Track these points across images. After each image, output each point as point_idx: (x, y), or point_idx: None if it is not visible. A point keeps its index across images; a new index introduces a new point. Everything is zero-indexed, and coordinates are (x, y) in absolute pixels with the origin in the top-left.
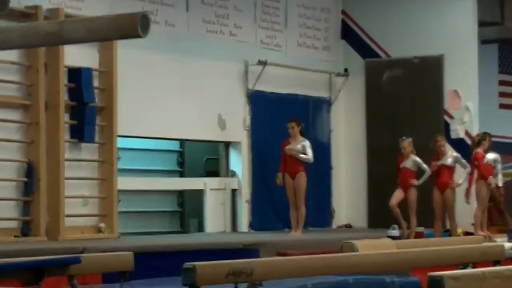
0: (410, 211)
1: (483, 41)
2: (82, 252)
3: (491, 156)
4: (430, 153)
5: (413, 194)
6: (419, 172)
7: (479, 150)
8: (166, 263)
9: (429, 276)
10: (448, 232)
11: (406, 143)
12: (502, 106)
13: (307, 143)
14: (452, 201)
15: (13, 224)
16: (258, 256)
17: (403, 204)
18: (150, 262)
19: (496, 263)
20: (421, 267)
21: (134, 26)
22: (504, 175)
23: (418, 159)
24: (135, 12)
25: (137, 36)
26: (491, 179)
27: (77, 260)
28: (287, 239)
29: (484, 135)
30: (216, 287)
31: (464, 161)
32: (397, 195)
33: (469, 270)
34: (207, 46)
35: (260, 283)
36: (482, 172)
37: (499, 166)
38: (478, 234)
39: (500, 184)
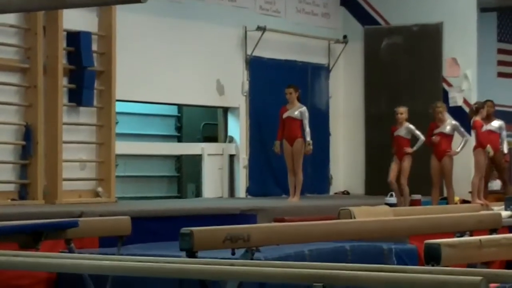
0: (402, 179)
1: (482, 9)
2: (79, 216)
3: (496, 123)
4: (429, 120)
5: (407, 162)
6: (413, 140)
7: (477, 118)
8: (163, 228)
9: (426, 244)
10: (445, 200)
11: (403, 109)
12: (501, 74)
13: (304, 110)
14: (450, 169)
15: (11, 187)
16: (255, 222)
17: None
18: (147, 226)
19: (493, 231)
20: (418, 234)
21: None
22: None
23: (411, 126)
24: None
25: (136, 1)
26: (489, 148)
27: (75, 224)
28: (284, 205)
29: (482, 104)
30: (213, 252)
31: (462, 129)
32: (394, 168)
33: (466, 238)
34: (206, 12)
35: (257, 248)
36: (480, 140)
37: (504, 133)
38: (475, 202)
39: (506, 151)
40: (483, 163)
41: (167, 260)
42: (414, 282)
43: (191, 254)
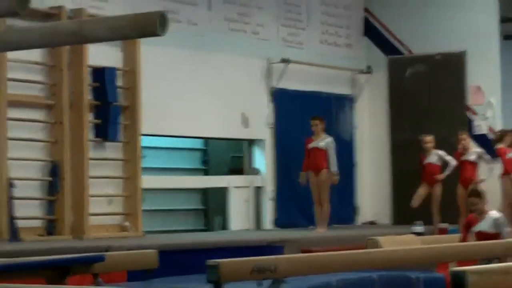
0: (434, 207)
1: (506, 37)
2: (106, 251)
3: None
4: (452, 149)
5: (438, 189)
6: (444, 166)
7: (502, 145)
8: (190, 261)
9: (452, 271)
10: None
11: (430, 138)
12: None
13: (330, 140)
14: None
15: (38, 223)
16: (282, 253)
17: (428, 201)
18: (174, 259)
19: None
20: (444, 262)
21: (153, 25)
22: None
23: (441, 152)
24: (153, 11)
25: (155, 34)
26: None
27: (101, 258)
28: (311, 236)
29: (505, 131)
30: (240, 284)
31: (488, 156)
32: (421, 193)
33: (492, 265)
34: (229, 44)
35: (283, 279)
36: (506, 167)
37: None
38: None
39: None
40: (510, 189)
41: None
42: None
43: (218, 286)
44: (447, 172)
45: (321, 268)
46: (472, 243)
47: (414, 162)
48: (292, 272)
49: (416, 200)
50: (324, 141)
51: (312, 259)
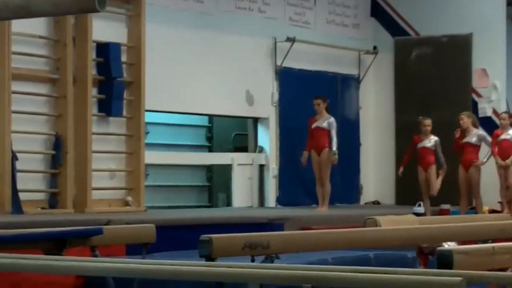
0: (429, 191)
1: None
2: (106, 224)
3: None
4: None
5: (433, 173)
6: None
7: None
8: (189, 236)
9: (438, 251)
10: (474, 210)
11: (429, 121)
12: None
13: (332, 120)
14: (477, 179)
15: (41, 196)
16: (282, 231)
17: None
18: (173, 235)
19: None
20: (440, 242)
21: (92, 1)
22: None
23: (437, 138)
24: None
25: (95, 10)
26: (497, 159)
27: (99, 232)
28: (312, 214)
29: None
30: (234, 259)
31: (489, 139)
32: (423, 179)
33: (479, 245)
34: (235, 23)
35: (276, 256)
36: (493, 150)
37: None
38: (504, 212)
39: None
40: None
41: (187, 264)
42: (398, 282)
43: (210, 260)
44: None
45: (315, 245)
46: (469, 224)
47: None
48: (285, 249)
49: (424, 186)
50: (326, 121)
51: (305, 236)
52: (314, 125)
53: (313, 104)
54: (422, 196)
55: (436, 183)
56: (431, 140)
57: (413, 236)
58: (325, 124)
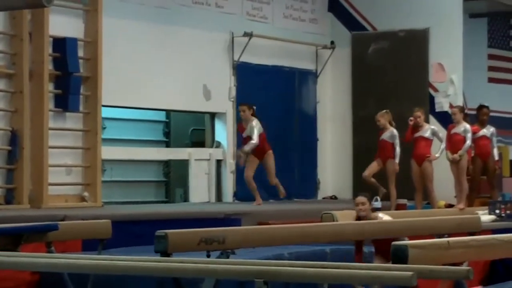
0: (390, 183)
1: (472, 15)
2: (62, 220)
3: (489, 130)
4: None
5: (391, 165)
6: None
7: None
8: (146, 232)
9: (393, 245)
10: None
11: (379, 115)
12: (491, 80)
13: (253, 124)
14: (430, 173)
15: None
16: (239, 226)
17: (383, 176)
18: (130, 230)
19: (471, 234)
20: (396, 237)
21: None
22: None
23: (395, 132)
24: None
25: (42, 5)
26: (448, 154)
27: (54, 227)
28: (269, 209)
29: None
30: (191, 255)
31: (441, 134)
32: (372, 167)
33: (434, 240)
34: (193, 17)
35: (232, 251)
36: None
37: (494, 139)
38: (459, 206)
39: (496, 157)
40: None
41: (141, 259)
42: (348, 276)
43: (165, 256)
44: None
45: (271, 240)
46: (425, 219)
47: (376, 138)
48: (240, 244)
49: (367, 171)
50: (248, 126)
51: (261, 231)
52: (245, 134)
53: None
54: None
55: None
56: (427, 131)
57: (369, 231)
58: (248, 131)
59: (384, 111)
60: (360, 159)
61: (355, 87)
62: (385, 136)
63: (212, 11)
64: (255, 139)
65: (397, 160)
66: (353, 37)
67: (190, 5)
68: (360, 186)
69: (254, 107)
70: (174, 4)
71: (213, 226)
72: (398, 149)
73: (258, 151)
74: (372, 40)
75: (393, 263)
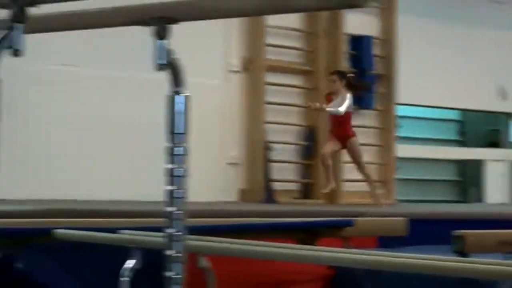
0: None
1: None
2: (357, 216)
3: None
4: None
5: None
6: None
7: None
8: (439, 231)
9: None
10: None
11: None
12: None
13: (347, 96)
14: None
15: (294, 186)
16: None
17: None
18: (424, 229)
19: None
20: None
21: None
22: None
23: None
24: None
25: (360, 5)
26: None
27: (350, 223)
28: None
29: None
30: (487, 256)
31: None
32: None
33: None
34: (488, 15)
35: None
36: None
37: None
38: None
39: None
40: None
41: (440, 259)
42: None
43: (463, 256)
44: None
45: None
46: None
47: None
48: None
49: None
50: (340, 98)
51: None
52: None
53: None
54: None
55: None
56: None
57: None
58: None
59: None
60: None
61: None
62: None
63: (506, 10)
64: (342, 109)
65: None
66: None
67: (485, 4)
68: None
69: (351, 76)
70: (468, 2)
71: (510, 228)
72: None
73: (340, 134)
74: None
75: None
